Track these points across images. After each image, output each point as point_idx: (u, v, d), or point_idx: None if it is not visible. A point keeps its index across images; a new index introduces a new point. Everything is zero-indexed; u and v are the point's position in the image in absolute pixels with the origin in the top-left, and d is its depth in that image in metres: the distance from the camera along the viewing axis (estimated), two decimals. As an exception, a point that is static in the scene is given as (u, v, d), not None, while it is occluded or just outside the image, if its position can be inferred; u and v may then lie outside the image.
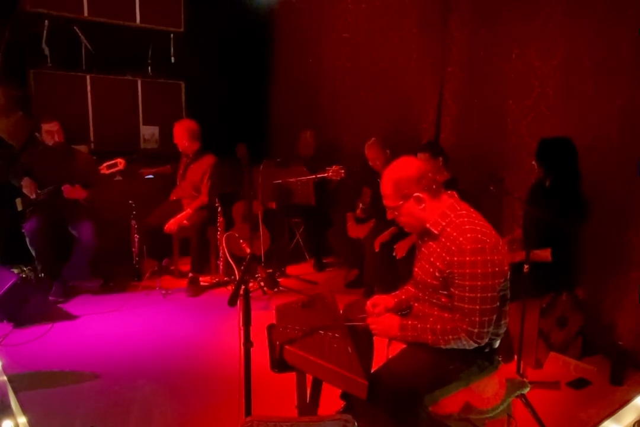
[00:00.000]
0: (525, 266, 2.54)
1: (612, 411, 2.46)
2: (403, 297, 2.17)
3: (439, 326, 1.84)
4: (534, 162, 2.99)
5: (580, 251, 3.06)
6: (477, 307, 1.77)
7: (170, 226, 4.14)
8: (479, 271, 1.76)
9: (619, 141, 3.04)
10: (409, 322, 1.92)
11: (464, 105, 4.00)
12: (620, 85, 3.01)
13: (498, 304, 1.81)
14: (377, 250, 3.75)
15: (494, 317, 1.81)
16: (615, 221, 3.04)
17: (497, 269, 1.78)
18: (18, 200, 3.95)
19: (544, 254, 2.82)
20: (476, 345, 1.82)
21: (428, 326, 1.86)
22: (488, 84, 3.79)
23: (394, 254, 3.65)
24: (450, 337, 1.81)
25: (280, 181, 4.29)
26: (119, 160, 3.96)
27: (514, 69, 3.59)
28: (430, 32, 4.18)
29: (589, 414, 2.49)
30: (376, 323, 2.00)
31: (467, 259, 1.77)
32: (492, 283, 1.78)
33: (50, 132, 3.86)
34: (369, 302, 2.15)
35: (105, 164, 3.98)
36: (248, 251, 1.98)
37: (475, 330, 1.78)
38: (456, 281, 1.81)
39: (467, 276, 1.77)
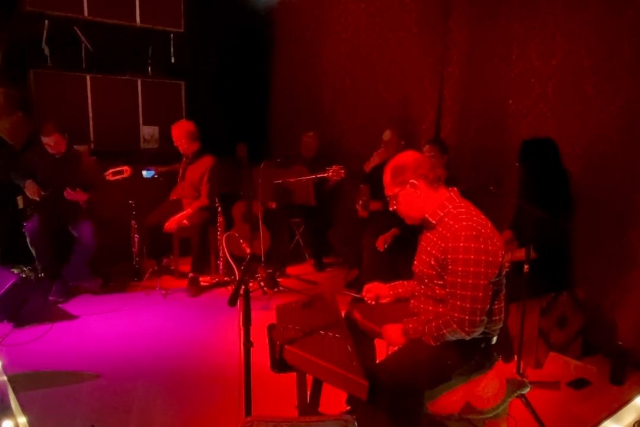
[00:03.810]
0: (525, 266, 2.54)
1: (612, 411, 2.46)
2: (400, 289, 2.23)
3: (433, 324, 1.85)
4: (517, 164, 3.03)
5: (580, 251, 3.07)
6: (469, 293, 1.78)
7: (170, 224, 4.14)
8: (472, 256, 1.78)
9: (619, 141, 3.04)
10: (410, 326, 1.94)
11: (464, 105, 4.00)
12: (620, 85, 3.01)
13: (490, 293, 1.82)
14: (381, 250, 3.76)
15: (487, 307, 1.82)
16: (615, 221, 3.04)
17: (490, 258, 1.80)
18: (19, 198, 3.95)
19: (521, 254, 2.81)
20: (468, 336, 1.81)
21: (425, 327, 1.88)
22: (488, 84, 3.79)
23: (379, 248, 3.73)
24: (445, 331, 1.82)
25: (280, 181, 4.29)
26: (125, 168, 3.96)
27: (514, 69, 3.59)
28: (430, 32, 4.18)
29: (589, 414, 2.48)
30: (384, 334, 2.04)
31: (461, 244, 1.80)
32: (485, 271, 1.79)
33: (49, 145, 3.80)
34: (365, 287, 2.27)
35: (111, 171, 3.97)
36: (248, 251, 1.98)
37: (467, 317, 1.78)
38: (449, 267, 1.83)
39: (459, 262, 1.80)
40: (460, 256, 1.80)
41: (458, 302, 1.80)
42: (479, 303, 1.79)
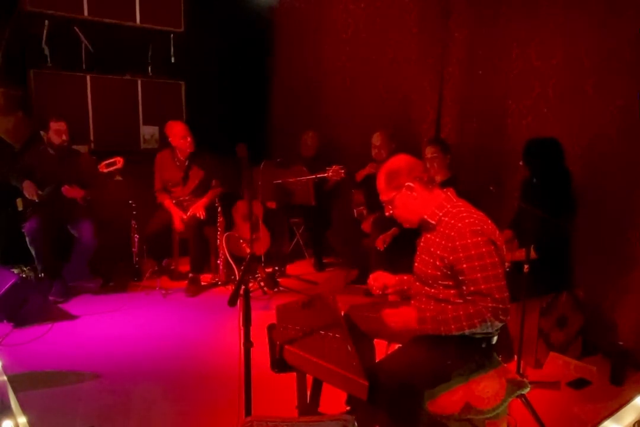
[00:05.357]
0: (526, 266, 2.54)
1: (612, 411, 2.46)
2: (405, 277, 2.20)
3: (461, 312, 1.82)
4: (521, 163, 3.03)
5: (580, 251, 3.06)
6: (493, 284, 1.79)
7: (196, 209, 4.14)
8: (484, 249, 1.81)
9: (619, 141, 3.04)
10: (427, 314, 1.89)
11: (464, 105, 4.00)
12: (620, 85, 3.01)
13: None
14: (381, 249, 3.77)
15: (508, 294, 1.83)
16: (615, 221, 3.04)
17: (497, 248, 1.84)
18: (19, 200, 3.96)
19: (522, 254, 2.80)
20: (500, 324, 1.82)
21: (449, 315, 1.83)
22: (488, 84, 3.79)
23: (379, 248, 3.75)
24: (476, 320, 1.79)
25: (280, 181, 4.29)
26: (118, 158, 3.95)
27: (513, 69, 3.59)
28: (430, 32, 4.18)
29: (589, 414, 2.48)
30: (394, 316, 1.95)
31: (469, 241, 1.82)
32: (499, 260, 1.83)
33: (59, 131, 3.88)
34: (371, 276, 2.22)
35: (103, 163, 3.97)
36: (248, 251, 1.98)
37: (500, 305, 1.78)
38: (464, 266, 1.82)
39: (474, 257, 1.81)
40: (473, 252, 1.81)
41: (488, 297, 1.79)
42: (504, 292, 1.81)
